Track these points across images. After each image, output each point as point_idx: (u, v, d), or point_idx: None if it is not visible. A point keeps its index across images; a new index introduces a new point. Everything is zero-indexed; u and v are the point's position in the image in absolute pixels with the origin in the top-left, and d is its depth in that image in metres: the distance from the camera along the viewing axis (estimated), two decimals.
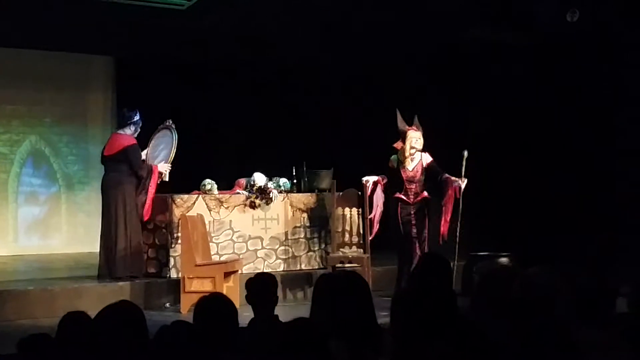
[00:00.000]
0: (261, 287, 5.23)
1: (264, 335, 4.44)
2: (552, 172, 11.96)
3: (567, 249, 10.94)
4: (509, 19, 11.36)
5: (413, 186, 9.93)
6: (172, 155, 10.23)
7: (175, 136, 10.32)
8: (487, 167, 11.92)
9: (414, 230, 9.84)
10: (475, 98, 12.66)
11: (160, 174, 10.05)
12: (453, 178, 9.84)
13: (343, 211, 10.42)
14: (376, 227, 10.12)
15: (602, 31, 11.18)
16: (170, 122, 10.49)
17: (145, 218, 10.00)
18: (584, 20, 10.77)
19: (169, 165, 10.15)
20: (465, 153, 9.84)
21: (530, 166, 12.17)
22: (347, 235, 10.38)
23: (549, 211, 11.85)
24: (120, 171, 9.93)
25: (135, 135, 10.11)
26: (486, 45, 12.03)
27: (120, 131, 10.17)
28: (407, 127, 9.97)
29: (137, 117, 10.10)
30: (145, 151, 10.27)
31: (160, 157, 10.23)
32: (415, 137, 9.93)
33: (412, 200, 9.93)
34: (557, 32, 11.22)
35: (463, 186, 9.75)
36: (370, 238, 10.17)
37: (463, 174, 9.80)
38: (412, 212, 9.89)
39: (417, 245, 9.78)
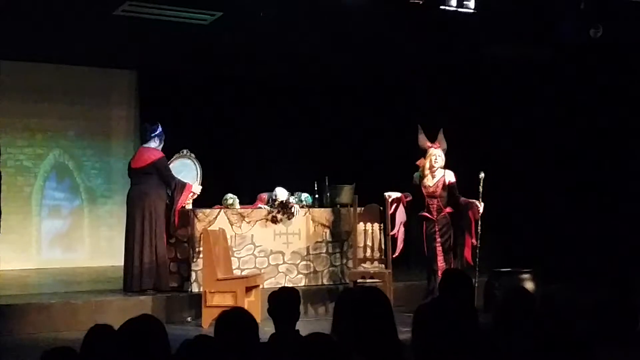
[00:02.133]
0: (284, 301, 5.21)
1: (285, 350, 4.45)
2: (574, 188, 11.91)
3: (589, 266, 10.89)
4: (531, 35, 11.33)
5: (434, 202, 9.91)
6: (200, 181, 10.38)
7: (198, 165, 10.50)
8: (508, 182, 11.88)
9: (439, 247, 9.83)
10: (496, 114, 12.63)
11: (193, 193, 10.14)
12: (470, 200, 9.81)
13: (365, 226, 10.39)
14: (400, 245, 10.08)
15: (624, 46, 11.15)
16: (188, 151, 10.64)
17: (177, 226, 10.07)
18: (605, 35, 10.72)
19: (201, 187, 10.25)
20: (482, 175, 9.74)
21: (552, 182, 12.13)
22: (368, 251, 10.35)
23: (571, 227, 11.79)
24: (148, 183, 9.99)
25: (161, 147, 10.20)
26: (508, 61, 12.01)
27: (146, 145, 10.25)
28: (428, 143, 9.96)
29: (159, 130, 10.22)
30: None
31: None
32: (435, 155, 9.92)
33: (435, 216, 9.91)
34: (580, 48, 11.18)
35: (481, 209, 9.72)
36: (395, 256, 10.13)
37: (480, 196, 9.76)
38: (436, 228, 9.88)
39: (443, 261, 9.75)
